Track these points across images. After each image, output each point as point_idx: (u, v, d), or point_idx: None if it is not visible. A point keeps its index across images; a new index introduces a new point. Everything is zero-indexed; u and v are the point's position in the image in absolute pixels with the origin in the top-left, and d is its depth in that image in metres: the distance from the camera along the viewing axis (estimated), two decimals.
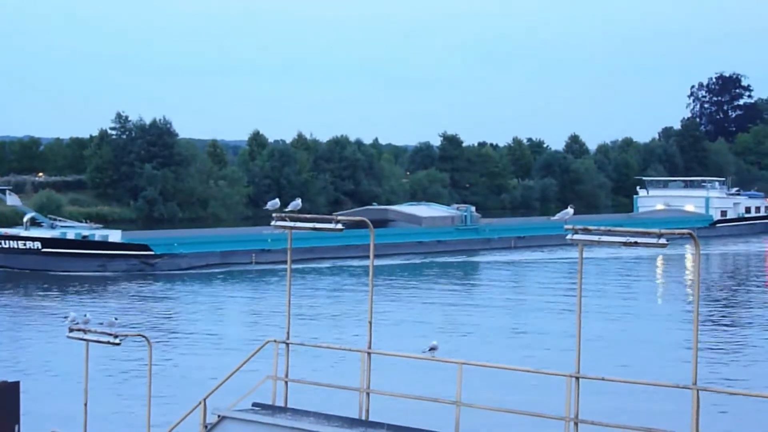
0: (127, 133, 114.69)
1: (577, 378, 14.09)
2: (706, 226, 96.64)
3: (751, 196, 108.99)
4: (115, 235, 64.23)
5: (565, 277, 62.75)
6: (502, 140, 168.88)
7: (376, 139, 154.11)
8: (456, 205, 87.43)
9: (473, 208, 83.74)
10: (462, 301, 51.02)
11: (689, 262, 72.55)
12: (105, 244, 63.06)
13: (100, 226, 68.24)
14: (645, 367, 31.73)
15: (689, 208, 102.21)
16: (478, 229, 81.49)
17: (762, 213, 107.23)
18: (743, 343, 38.59)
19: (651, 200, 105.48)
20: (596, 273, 62.53)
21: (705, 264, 71.22)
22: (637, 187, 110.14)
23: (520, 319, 44.68)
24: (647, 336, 39.61)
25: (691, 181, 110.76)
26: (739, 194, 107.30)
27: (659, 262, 72.76)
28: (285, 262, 64.82)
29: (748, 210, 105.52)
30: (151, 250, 63.55)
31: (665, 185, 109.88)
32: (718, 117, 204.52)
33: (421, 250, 74.77)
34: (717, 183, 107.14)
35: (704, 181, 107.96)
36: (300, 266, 64.11)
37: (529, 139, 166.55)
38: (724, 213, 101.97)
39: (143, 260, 63.26)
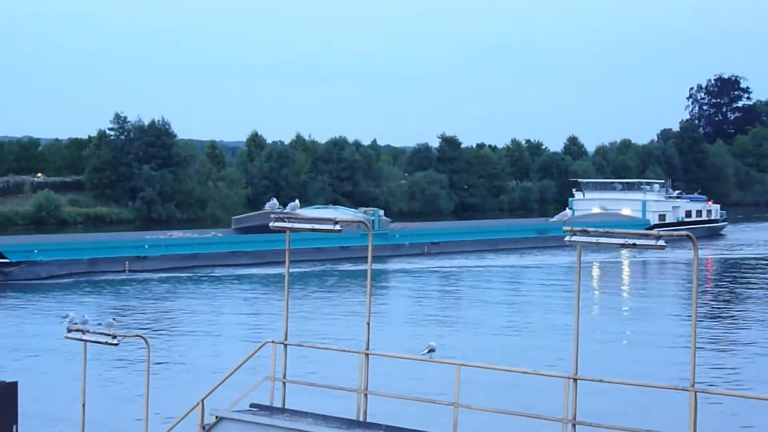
0: (125, 133, 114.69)
1: (575, 379, 14.12)
2: (641, 231, 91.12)
3: (692, 200, 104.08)
4: None
5: (484, 287, 56.93)
6: (501, 141, 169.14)
7: (375, 141, 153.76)
8: (363, 209, 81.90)
9: (381, 212, 78.21)
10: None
11: (625, 269, 69.33)
12: None
13: None
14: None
15: (626, 212, 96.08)
16: (387, 234, 75.18)
17: (703, 217, 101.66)
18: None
19: (587, 203, 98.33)
20: (523, 282, 59.91)
21: (642, 273, 67.42)
22: (573, 190, 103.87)
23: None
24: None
25: (629, 183, 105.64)
26: (680, 197, 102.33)
27: (595, 269, 67.91)
28: (163, 270, 62.03)
29: (688, 214, 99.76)
30: (5, 258, 57.55)
31: (602, 188, 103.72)
32: (716, 119, 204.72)
33: (320, 257, 68.27)
34: (657, 185, 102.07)
35: (642, 184, 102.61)
36: (184, 274, 60.72)
37: (528, 141, 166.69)
38: (662, 217, 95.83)
39: None
